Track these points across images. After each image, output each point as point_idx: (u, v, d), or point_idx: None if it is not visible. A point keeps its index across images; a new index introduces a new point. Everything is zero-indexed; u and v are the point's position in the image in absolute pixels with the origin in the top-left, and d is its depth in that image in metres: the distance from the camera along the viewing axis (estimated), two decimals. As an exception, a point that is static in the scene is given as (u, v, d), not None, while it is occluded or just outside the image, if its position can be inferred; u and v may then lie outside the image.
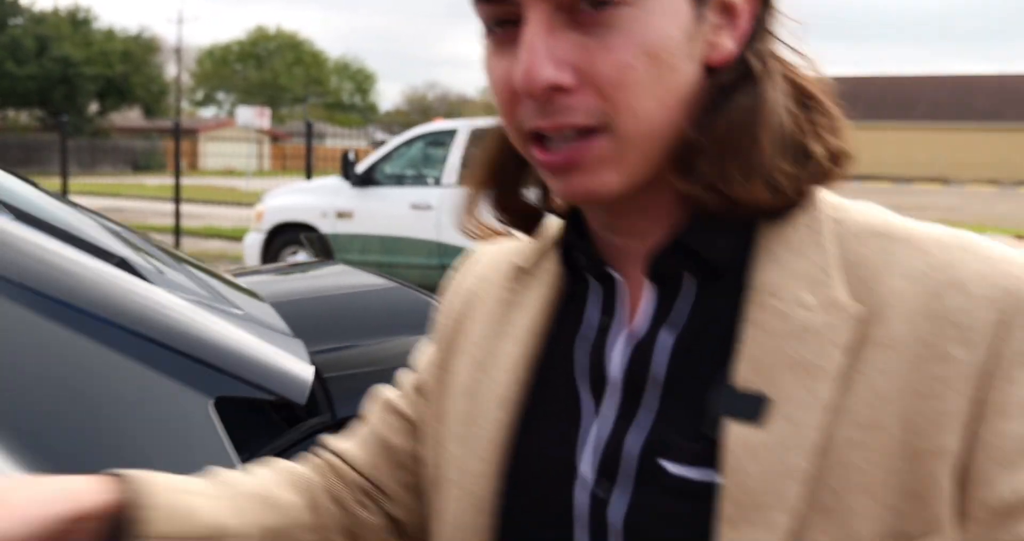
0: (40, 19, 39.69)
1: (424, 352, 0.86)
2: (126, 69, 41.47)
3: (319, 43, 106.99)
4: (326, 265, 2.18)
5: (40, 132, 37.75)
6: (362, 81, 69.06)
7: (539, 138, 0.64)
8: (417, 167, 8.43)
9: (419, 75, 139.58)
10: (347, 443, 0.85)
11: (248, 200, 15.73)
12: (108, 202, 18.69)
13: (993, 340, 0.58)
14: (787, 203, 0.64)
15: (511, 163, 0.73)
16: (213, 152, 33.82)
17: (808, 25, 0.68)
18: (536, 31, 0.60)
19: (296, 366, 1.25)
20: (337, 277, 1.96)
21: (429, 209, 7.91)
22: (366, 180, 8.32)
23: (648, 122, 0.61)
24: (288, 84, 60.23)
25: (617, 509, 0.65)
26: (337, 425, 1.23)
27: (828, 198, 0.67)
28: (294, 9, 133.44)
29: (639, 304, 0.68)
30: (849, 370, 0.59)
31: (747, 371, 0.61)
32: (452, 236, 7.67)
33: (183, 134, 16.44)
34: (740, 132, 0.63)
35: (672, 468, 0.63)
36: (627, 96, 0.60)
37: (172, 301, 1.22)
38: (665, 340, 0.66)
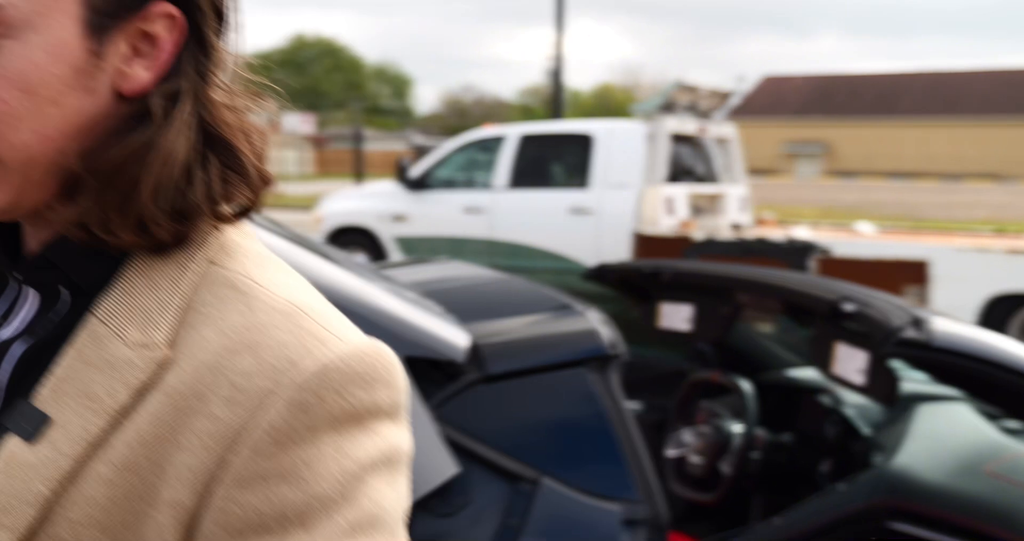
0: None
1: None
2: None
3: (355, 48, 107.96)
4: (444, 261, 2.58)
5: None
6: (399, 85, 69.93)
7: None
8: (468, 171, 8.81)
9: (455, 78, 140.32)
10: None
11: (296, 204, 16.19)
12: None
13: (256, 408, 0.58)
14: (161, 244, 0.64)
15: None
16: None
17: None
18: None
19: (455, 333, 1.63)
20: (458, 269, 2.36)
21: (480, 212, 8.29)
22: (420, 184, 8.73)
23: (25, 152, 0.61)
24: (328, 89, 61.19)
25: None
26: (488, 379, 1.61)
27: (225, 242, 0.67)
28: (330, 14, 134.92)
29: (21, 310, 0.68)
30: (129, 410, 0.60)
31: (47, 391, 0.62)
32: (504, 235, 8.08)
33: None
34: (121, 172, 0.62)
35: None
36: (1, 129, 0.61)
37: (355, 280, 1.60)
38: (16, 349, 0.65)
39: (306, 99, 58.51)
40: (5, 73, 0.59)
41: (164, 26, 0.63)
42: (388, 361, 0.64)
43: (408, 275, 2.24)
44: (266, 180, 0.68)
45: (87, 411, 0.60)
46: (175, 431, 0.59)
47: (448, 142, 9.32)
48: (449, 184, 8.73)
